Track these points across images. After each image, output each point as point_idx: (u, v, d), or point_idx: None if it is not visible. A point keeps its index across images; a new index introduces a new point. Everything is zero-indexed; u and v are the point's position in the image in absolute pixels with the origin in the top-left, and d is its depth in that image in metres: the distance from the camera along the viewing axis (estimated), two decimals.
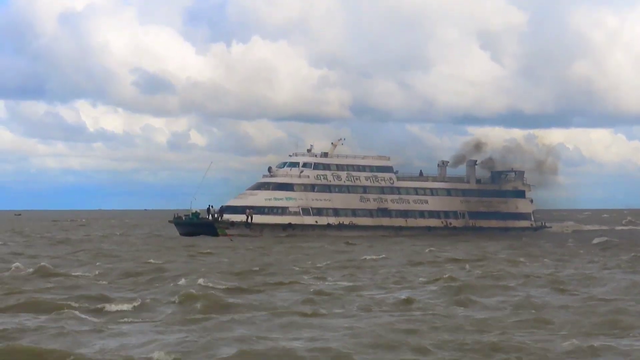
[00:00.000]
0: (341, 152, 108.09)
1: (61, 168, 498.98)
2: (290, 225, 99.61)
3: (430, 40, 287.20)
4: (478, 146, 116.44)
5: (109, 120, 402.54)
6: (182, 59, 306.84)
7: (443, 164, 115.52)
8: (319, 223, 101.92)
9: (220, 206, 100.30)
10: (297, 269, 49.22)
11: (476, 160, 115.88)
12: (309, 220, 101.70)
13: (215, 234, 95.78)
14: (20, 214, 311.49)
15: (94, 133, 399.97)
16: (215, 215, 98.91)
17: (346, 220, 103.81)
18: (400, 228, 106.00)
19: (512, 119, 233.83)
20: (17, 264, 48.47)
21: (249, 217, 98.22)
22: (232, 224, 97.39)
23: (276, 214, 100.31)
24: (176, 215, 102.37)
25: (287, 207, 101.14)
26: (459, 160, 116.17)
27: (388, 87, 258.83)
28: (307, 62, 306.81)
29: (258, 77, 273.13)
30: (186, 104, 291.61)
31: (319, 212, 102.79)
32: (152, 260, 54.66)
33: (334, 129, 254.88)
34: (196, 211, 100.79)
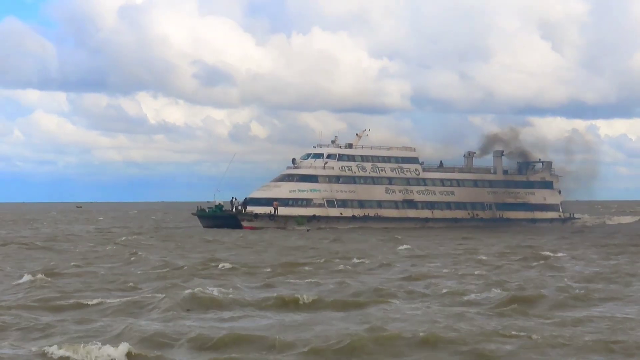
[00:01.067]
0: (372, 143, 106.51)
1: (124, 160, 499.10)
2: (314, 217, 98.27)
3: (491, 30, 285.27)
4: (495, 139, 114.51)
5: (170, 112, 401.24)
6: (242, 51, 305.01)
7: (469, 155, 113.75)
8: (344, 215, 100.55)
9: (244, 198, 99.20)
10: None
11: (503, 151, 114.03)
12: (334, 212, 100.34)
13: (239, 227, 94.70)
14: (81, 206, 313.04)
15: (155, 125, 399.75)
16: (239, 208, 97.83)
17: (371, 212, 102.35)
18: (427, 219, 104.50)
19: (573, 109, 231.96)
20: None
21: (276, 210, 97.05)
22: (256, 216, 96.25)
23: (300, 205, 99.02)
24: (199, 208, 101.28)
25: (312, 199, 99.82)
26: (484, 151, 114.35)
27: (448, 78, 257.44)
28: (367, 53, 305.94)
29: (318, 68, 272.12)
30: (246, 96, 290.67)
31: (343, 203, 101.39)
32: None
33: (395, 120, 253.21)
34: (219, 203, 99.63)
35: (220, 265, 44.27)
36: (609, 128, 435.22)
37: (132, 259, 49.76)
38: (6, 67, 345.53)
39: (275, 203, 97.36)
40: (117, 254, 54.48)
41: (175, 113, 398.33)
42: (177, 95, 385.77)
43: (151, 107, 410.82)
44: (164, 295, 30.55)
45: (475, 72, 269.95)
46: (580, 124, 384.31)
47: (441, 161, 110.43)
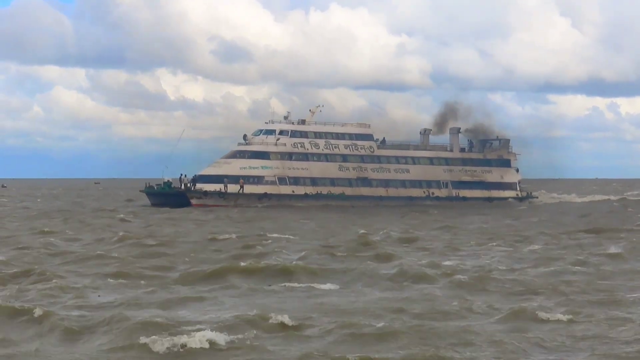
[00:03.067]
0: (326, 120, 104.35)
1: (143, 137, 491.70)
2: (265, 195, 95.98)
3: (510, 7, 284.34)
4: (453, 111, 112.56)
5: (189, 88, 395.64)
6: (260, 27, 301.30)
7: (425, 132, 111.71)
8: (296, 192, 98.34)
9: (193, 175, 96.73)
10: None
11: (460, 128, 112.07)
12: (286, 189, 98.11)
13: (188, 204, 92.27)
14: (99, 182, 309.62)
15: (175, 102, 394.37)
16: (188, 185, 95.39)
17: (324, 190, 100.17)
18: (381, 198, 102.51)
19: (593, 87, 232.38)
20: None
21: (241, 188, 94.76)
22: (205, 193, 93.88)
23: (252, 183, 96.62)
24: (148, 185, 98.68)
25: (263, 176, 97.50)
26: (439, 127, 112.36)
27: (468, 55, 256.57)
28: (386, 30, 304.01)
29: (336, 44, 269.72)
30: (266, 73, 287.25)
31: (295, 181, 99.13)
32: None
33: (415, 97, 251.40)
34: (168, 180, 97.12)
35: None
36: (630, 106, 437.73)
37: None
38: (24, 43, 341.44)
39: (241, 181, 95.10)
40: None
41: (194, 89, 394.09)
42: (196, 72, 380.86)
43: (170, 84, 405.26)
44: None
45: (495, 50, 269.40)
46: (600, 101, 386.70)
47: (384, 138, 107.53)
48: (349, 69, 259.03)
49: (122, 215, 72.61)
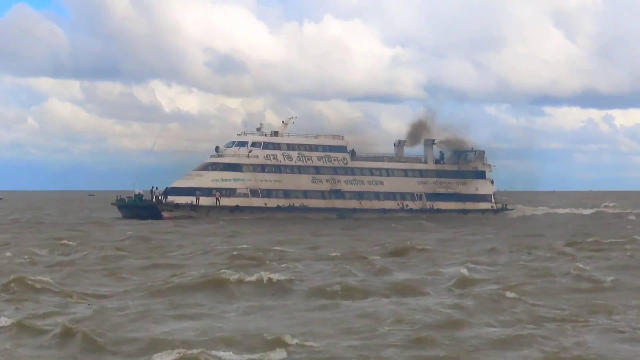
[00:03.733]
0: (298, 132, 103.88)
1: (139, 148, 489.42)
2: (237, 207, 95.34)
3: (505, 19, 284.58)
4: (422, 126, 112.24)
5: (184, 100, 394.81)
6: (254, 39, 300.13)
7: (400, 144, 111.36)
8: (268, 205, 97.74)
9: (165, 188, 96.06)
10: None
11: (434, 140, 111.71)
12: (258, 202, 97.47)
13: (159, 217, 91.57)
14: (93, 194, 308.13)
15: (169, 113, 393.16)
16: (160, 197, 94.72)
17: (297, 202, 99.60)
18: (354, 210, 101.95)
19: (588, 99, 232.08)
20: None
21: (218, 200, 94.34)
22: (177, 206, 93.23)
23: (224, 195, 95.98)
24: (119, 197, 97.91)
25: (235, 189, 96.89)
26: (414, 140, 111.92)
27: (462, 67, 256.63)
28: (380, 42, 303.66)
29: (331, 56, 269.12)
30: (260, 85, 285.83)
31: (268, 193, 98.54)
32: None
33: (410, 109, 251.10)
34: (139, 193, 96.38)
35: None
36: (624, 118, 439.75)
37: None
38: (19, 55, 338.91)
39: (217, 193, 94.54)
40: None
41: (189, 101, 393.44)
42: (190, 84, 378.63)
43: (165, 95, 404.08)
44: None
45: (490, 62, 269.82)
46: (595, 113, 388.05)
47: (353, 149, 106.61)
48: (343, 80, 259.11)
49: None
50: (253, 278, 31.95)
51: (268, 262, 40.90)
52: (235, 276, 32.27)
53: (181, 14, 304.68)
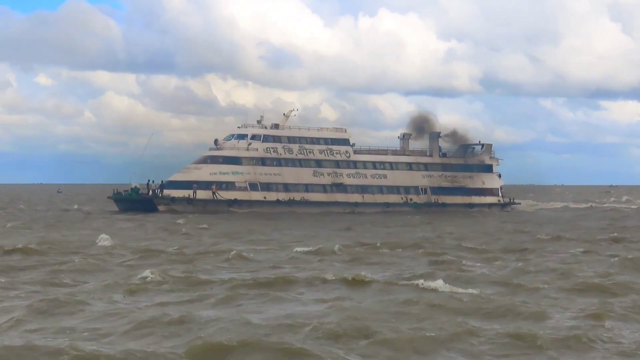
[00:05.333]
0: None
1: (195, 142, 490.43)
2: (235, 201, 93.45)
3: (561, 13, 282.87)
4: (425, 121, 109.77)
5: (239, 94, 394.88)
6: (309, 32, 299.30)
7: (404, 137, 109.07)
8: (268, 199, 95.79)
9: (161, 181, 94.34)
10: None
11: (439, 133, 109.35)
12: (257, 195, 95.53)
13: (155, 210, 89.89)
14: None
15: (225, 107, 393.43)
16: (156, 191, 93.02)
17: (297, 196, 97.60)
18: (356, 204, 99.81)
19: None
20: None
21: (214, 194, 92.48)
22: (173, 199, 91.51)
23: (222, 189, 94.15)
24: (115, 191, 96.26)
25: (234, 182, 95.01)
26: (419, 133, 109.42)
27: (518, 60, 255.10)
28: (435, 35, 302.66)
29: (385, 50, 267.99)
30: (314, 78, 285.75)
31: (267, 187, 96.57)
32: None
33: (466, 103, 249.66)
34: (136, 186, 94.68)
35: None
36: None
37: None
38: (74, 49, 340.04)
39: (213, 187, 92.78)
40: None
41: (245, 95, 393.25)
42: (245, 77, 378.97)
43: (221, 89, 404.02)
44: None
45: (545, 55, 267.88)
46: None
47: (353, 143, 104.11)
48: (398, 74, 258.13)
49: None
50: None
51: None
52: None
53: (235, 7, 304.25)
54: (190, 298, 26.08)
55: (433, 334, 20.29)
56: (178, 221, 70.52)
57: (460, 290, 27.14)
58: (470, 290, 27.12)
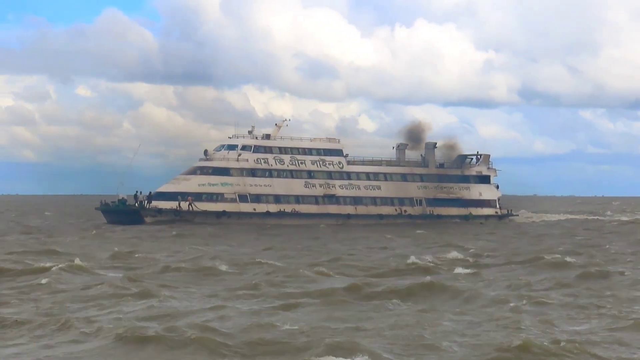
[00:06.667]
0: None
1: None
2: (224, 212, 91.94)
3: (599, 23, 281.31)
4: (419, 129, 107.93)
5: (277, 105, 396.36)
6: (346, 44, 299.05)
7: (399, 147, 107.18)
8: (258, 211, 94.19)
9: (149, 192, 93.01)
10: None
11: (435, 143, 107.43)
12: (246, 207, 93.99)
13: (141, 222, 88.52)
14: None
15: (263, 118, 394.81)
16: (143, 202, 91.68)
17: (288, 208, 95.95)
18: (349, 216, 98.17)
19: None
20: None
21: (190, 205, 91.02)
22: (160, 211, 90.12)
23: (211, 200, 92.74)
24: (103, 202, 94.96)
25: (223, 193, 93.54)
26: (413, 145, 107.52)
27: (556, 71, 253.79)
28: (473, 46, 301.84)
29: (423, 61, 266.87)
30: (351, 89, 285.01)
31: (257, 198, 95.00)
32: None
33: (505, 114, 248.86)
34: (123, 197, 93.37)
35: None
36: None
37: None
38: (112, 60, 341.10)
39: (189, 198, 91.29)
40: None
41: (282, 106, 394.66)
42: (282, 89, 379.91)
43: (258, 100, 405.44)
44: None
45: (584, 66, 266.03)
46: None
47: (347, 154, 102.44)
48: (435, 85, 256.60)
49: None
50: None
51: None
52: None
53: (271, 19, 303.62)
54: None
55: None
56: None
57: None
58: None
